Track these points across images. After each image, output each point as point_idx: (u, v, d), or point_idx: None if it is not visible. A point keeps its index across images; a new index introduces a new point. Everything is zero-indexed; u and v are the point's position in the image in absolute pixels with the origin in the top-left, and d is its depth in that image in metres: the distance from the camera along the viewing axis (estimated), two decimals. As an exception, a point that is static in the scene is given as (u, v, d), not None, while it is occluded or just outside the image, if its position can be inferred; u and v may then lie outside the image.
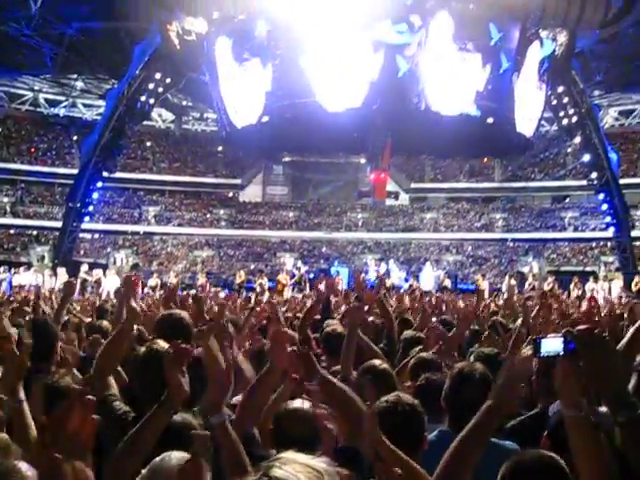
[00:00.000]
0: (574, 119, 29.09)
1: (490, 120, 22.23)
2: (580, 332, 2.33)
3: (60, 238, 31.40)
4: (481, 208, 50.14)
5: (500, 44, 21.30)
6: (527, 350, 2.66)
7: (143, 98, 28.93)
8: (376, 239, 49.96)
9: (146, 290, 22.30)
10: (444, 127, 21.60)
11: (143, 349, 3.85)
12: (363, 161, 37.10)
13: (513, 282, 26.80)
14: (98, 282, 25.19)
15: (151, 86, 28.59)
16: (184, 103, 44.99)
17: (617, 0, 24.25)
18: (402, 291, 20.36)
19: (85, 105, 46.89)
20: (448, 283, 29.87)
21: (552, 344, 2.41)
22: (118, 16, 27.23)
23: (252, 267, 42.33)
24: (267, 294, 21.19)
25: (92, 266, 28.79)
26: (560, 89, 27.96)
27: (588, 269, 40.58)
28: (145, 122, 36.36)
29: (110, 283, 23.10)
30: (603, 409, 2.43)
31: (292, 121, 22.46)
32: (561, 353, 2.38)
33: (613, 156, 30.19)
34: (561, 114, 29.25)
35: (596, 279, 27.53)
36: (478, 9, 20.86)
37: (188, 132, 51.25)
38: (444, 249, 49.22)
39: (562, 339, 2.39)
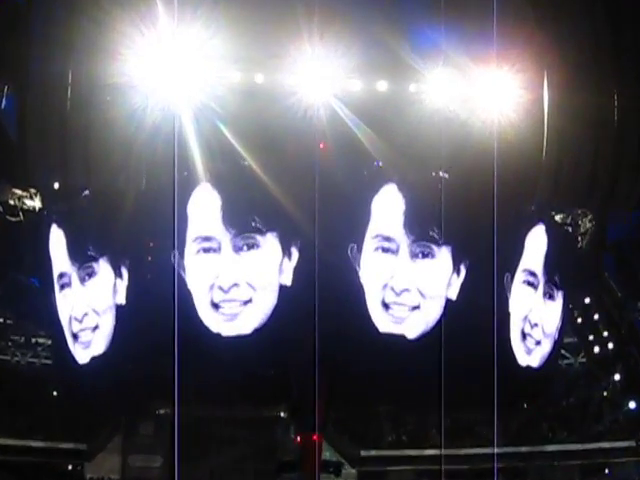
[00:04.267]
0: (610, 345, 29.30)
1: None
2: None
3: None
4: (470, 487, 49.19)
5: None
6: None
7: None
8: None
9: None
10: (406, 358, 22.25)
11: None
12: (284, 415, 36.98)
13: None
14: None
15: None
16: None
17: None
18: None
19: None
20: None
21: None
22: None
23: None
24: None
25: None
26: (587, 300, 28.30)
27: None
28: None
29: None
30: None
31: (168, 351, 22.05)
32: None
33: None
34: (590, 337, 29.49)
35: None
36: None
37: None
38: None
39: None
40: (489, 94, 22.15)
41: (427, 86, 22.39)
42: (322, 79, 21.70)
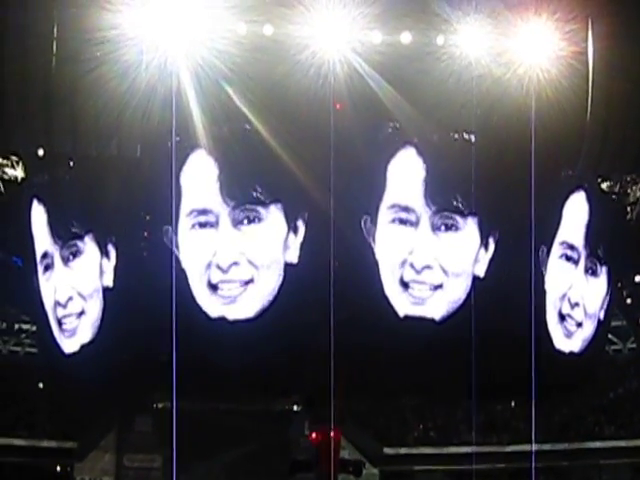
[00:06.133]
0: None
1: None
2: None
3: None
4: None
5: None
6: None
7: None
8: None
9: None
10: (432, 344, 22.16)
11: None
12: (297, 408, 36.83)
13: None
14: None
15: None
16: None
17: None
18: None
19: None
20: None
21: None
22: None
23: None
24: None
25: None
26: (637, 278, 28.15)
27: None
28: None
29: None
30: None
31: (163, 339, 22.02)
32: None
33: None
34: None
35: None
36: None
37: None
38: None
39: None
40: (526, 47, 21.83)
41: (457, 38, 22.00)
42: (338, 30, 21.36)
